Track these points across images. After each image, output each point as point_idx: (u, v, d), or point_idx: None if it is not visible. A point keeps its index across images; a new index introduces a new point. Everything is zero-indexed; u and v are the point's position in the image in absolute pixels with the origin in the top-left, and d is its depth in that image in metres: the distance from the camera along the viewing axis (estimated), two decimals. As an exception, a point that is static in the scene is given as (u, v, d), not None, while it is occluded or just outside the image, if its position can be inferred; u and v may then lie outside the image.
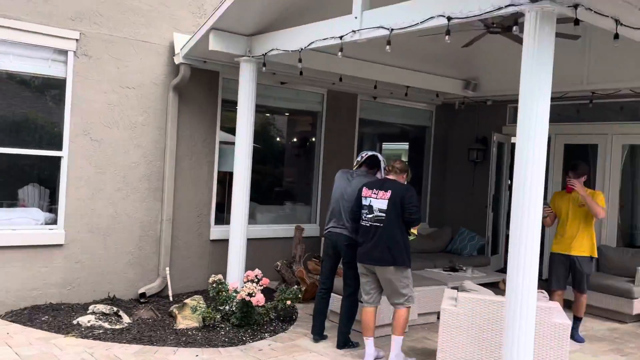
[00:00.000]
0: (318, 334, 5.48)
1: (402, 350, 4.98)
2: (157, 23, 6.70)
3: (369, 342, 5.01)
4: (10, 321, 5.58)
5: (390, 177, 5.08)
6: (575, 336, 5.99)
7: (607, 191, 7.98)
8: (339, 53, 5.21)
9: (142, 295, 6.52)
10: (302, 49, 5.58)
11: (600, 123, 8.19)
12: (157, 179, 6.80)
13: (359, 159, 5.54)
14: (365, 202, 5.04)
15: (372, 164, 5.51)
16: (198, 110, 7.09)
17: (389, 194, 4.92)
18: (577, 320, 6.11)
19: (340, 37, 5.16)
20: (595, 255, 6.10)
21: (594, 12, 3.94)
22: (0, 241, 5.80)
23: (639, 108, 7.60)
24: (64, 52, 6.16)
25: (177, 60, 6.65)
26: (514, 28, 4.81)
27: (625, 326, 6.75)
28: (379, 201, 4.94)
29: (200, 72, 6.90)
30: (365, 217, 5.02)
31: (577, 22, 3.83)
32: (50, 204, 6.30)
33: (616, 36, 4.10)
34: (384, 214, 4.90)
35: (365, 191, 5.07)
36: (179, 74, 6.66)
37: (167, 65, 6.79)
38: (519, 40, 5.63)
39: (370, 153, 5.51)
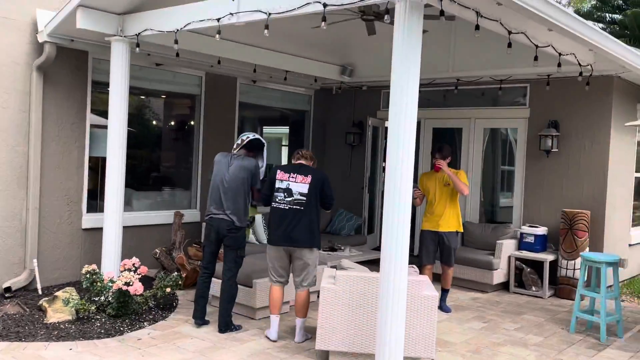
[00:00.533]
0: (200, 319, 5.45)
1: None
2: (16, -3, 6.19)
3: (275, 319, 5.19)
4: None
5: (302, 162, 5.23)
6: (443, 307, 6.47)
7: (471, 172, 8.62)
8: (217, 35, 5.15)
9: (7, 289, 6.07)
10: (177, 30, 5.45)
11: (465, 108, 8.81)
12: (21, 165, 6.32)
13: (239, 141, 5.52)
14: (281, 185, 5.11)
15: (251, 147, 5.53)
16: (65, 91, 6.66)
17: (309, 178, 5.08)
18: (444, 292, 6.59)
19: (218, 20, 5.10)
20: (461, 230, 6.60)
21: (458, 4, 4.24)
22: None
23: (498, 94, 8.26)
24: None
25: (41, 38, 6.20)
26: (385, 17, 5.02)
27: (487, 295, 7.39)
28: (299, 185, 5.06)
29: (68, 51, 6.49)
30: (281, 200, 5.09)
31: (442, 12, 4.10)
32: None
33: (477, 27, 4.43)
34: (304, 198, 5.04)
35: (280, 174, 5.14)
36: (43, 53, 6.21)
37: (29, 43, 6.30)
38: (371, 32, 5.90)
39: (252, 136, 5.51)
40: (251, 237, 7.67)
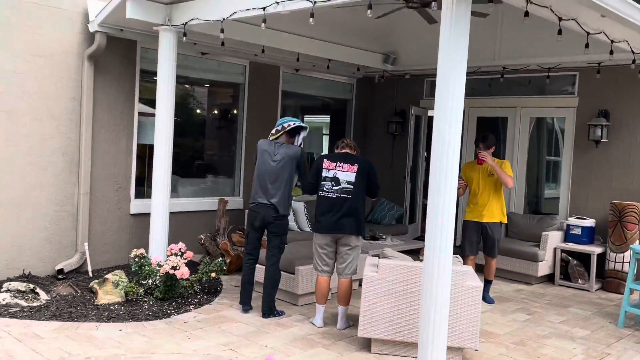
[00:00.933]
0: (247, 304, 5.54)
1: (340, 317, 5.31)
2: (69, -12, 6.38)
3: (321, 308, 5.29)
4: None
5: (347, 151, 5.31)
6: (486, 297, 6.41)
7: (516, 162, 8.47)
8: (262, 25, 5.19)
9: (60, 271, 6.31)
10: (224, 19, 5.51)
11: (510, 97, 8.64)
12: (73, 151, 6.54)
13: (279, 127, 5.54)
14: (328, 174, 5.18)
15: (293, 132, 5.57)
16: (115, 80, 6.84)
17: (356, 167, 5.15)
18: (487, 283, 6.53)
19: (264, 8, 5.14)
20: (505, 221, 6.51)
21: (506, -10, 4.15)
22: None
23: (546, 83, 8.07)
24: (-34, 16, 5.75)
25: (92, 28, 6.37)
26: (432, 4, 4.97)
27: (531, 287, 7.28)
28: (346, 173, 5.14)
29: (117, 40, 6.65)
30: (329, 189, 5.16)
31: None
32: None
33: (526, 14, 4.34)
34: (351, 186, 5.12)
35: (327, 163, 5.21)
36: (94, 43, 6.39)
37: (81, 33, 6.49)
38: (430, 20, 5.84)
39: (293, 123, 5.53)
40: (292, 224, 7.75)
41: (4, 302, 5.28)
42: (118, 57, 6.81)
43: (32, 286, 5.61)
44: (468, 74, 4.09)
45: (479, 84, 8.80)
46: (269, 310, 5.42)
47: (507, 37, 7.72)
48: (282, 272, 5.64)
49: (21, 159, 6.15)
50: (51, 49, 6.29)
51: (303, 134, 5.60)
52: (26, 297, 5.44)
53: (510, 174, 6.22)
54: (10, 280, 5.95)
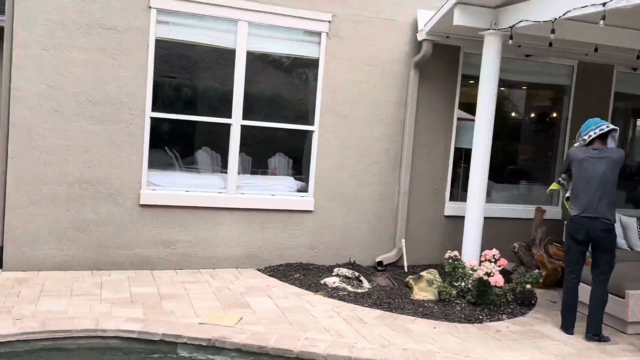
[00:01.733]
0: (570, 329, 5.13)
1: None
2: (401, 1, 6.84)
3: None
4: (269, 275, 6.32)
5: None
6: None
7: None
8: (601, 22, 4.76)
9: (379, 263, 6.85)
10: (555, 19, 5.22)
11: None
12: (396, 153, 7.02)
13: (590, 133, 5.06)
14: None
15: (603, 136, 5.08)
16: (437, 86, 7.11)
17: None
18: None
19: (603, 4, 4.70)
20: None
21: None
22: (262, 205, 6.56)
23: None
24: (318, 34, 6.63)
25: (420, 36, 6.72)
26: None
27: None
28: None
29: (442, 47, 6.88)
30: None
31: None
32: (296, 173, 6.93)
33: None
34: None
35: None
36: (420, 51, 6.74)
37: (409, 42, 6.92)
38: None
39: (605, 126, 5.04)
40: (622, 242, 6.95)
41: (334, 285, 5.96)
42: (442, 63, 7.05)
43: (356, 274, 6.21)
44: None
45: None
46: (594, 333, 4.95)
47: None
48: (609, 294, 5.11)
49: (353, 159, 6.86)
50: (382, 59, 6.85)
51: (615, 136, 5.04)
52: (352, 284, 6.04)
53: None
54: (339, 266, 6.69)
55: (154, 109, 6.16)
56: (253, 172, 6.80)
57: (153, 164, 6.25)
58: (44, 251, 5.89)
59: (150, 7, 6.00)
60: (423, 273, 6.08)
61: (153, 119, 6.17)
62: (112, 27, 5.90)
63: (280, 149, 6.97)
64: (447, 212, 7.27)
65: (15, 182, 5.75)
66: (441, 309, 5.53)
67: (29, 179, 5.78)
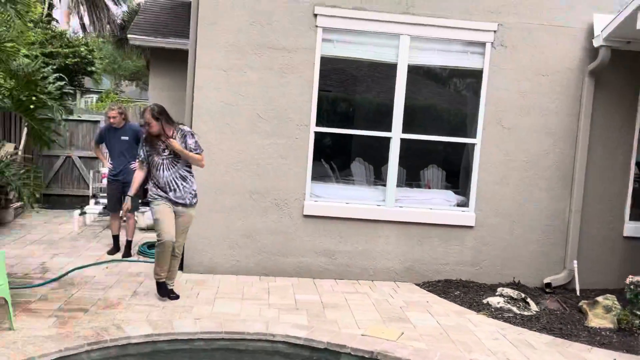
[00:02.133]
0: None
1: None
2: (575, 6, 6.42)
3: None
4: (428, 290, 6.22)
5: None
6: None
7: None
8: None
9: (548, 285, 6.42)
10: None
11: None
12: (567, 167, 6.56)
13: None
14: None
15: None
16: (615, 95, 6.53)
17: None
18: None
19: None
20: None
21: None
22: (421, 218, 6.49)
23: None
24: (482, 44, 6.44)
25: (597, 42, 6.24)
26: None
27: None
28: None
29: (621, 54, 6.31)
30: None
31: None
32: (451, 186, 6.74)
33: None
34: None
35: None
36: (597, 58, 6.26)
37: (582, 49, 6.45)
38: None
39: None
40: None
41: (498, 306, 5.69)
42: (620, 70, 6.48)
43: (522, 295, 5.87)
44: None
45: None
46: None
47: None
48: None
49: (517, 172, 6.53)
50: (552, 67, 6.46)
51: None
52: (517, 305, 5.73)
53: None
54: (501, 285, 6.39)
55: (317, 124, 6.39)
56: (407, 185, 6.77)
57: (313, 176, 6.48)
58: (219, 256, 6.35)
59: (317, 26, 6.26)
60: (599, 298, 5.59)
61: (317, 133, 6.40)
62: (282, 47, 6.23)
63: (434, 161, 6.87)
64: (626, 233, 6.61)
65: (198, 192, 6.27)
66: (621, 339, 5.03)
67: (209, 189, 6.27)
